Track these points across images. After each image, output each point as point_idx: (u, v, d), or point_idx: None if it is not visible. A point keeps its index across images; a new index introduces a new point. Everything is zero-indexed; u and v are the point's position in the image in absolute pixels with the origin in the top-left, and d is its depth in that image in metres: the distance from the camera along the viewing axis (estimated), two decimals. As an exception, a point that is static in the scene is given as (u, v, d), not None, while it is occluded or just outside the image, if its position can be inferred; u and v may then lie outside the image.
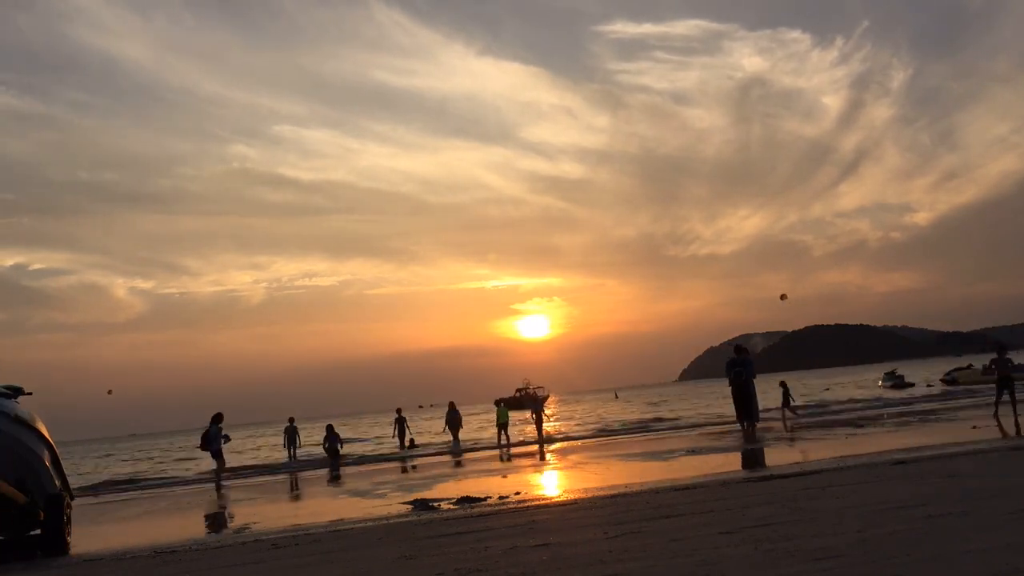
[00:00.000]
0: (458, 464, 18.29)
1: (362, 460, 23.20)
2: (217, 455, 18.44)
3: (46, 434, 9.00)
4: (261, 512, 11.78)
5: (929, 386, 39.74)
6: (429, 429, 33.92)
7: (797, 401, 23.83)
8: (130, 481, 23.92)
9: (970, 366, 40.81)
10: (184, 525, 10.82)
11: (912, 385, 41.58)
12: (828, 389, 47.51)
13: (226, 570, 5.99)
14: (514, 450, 21.29)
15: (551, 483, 11.91)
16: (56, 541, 8.58)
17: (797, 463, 10.12)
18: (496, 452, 21.17)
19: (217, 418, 18.68)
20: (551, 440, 23.72)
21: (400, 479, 15.67)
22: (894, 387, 41.96)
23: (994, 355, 16.23)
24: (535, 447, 21.61)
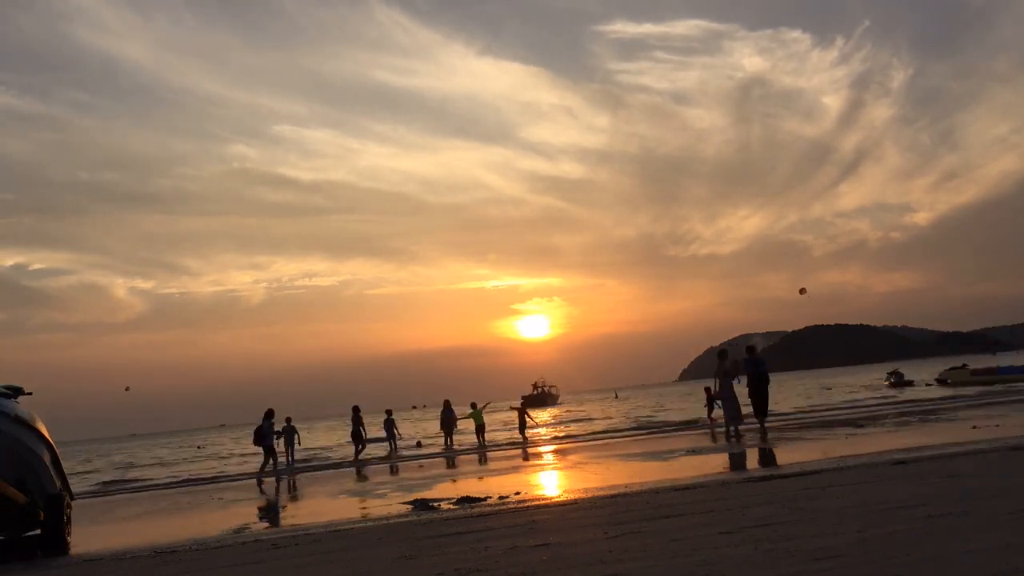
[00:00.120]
0: (456, 465, 18.28)
1: (364, 463, 23.20)
2: (269, 450, 19.07)
3: (46, 434, 9.01)
4: (261, 512, 11.79)
5: (928, 385, 39.69)
6: (425, 430, 33.95)
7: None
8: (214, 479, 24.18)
9: (964, 366, 40.76)
10: (184, 525, 10.82)
11: (911, 384, 41.37)
12: (830, 389, 47.49)
13: (226, 570, 5.99)
14: (513, 450, 21.28)
15: (551, 483, 11.91)
16: (56, 541, 8.59)
17: (797, 463, 10.12)
18: (493, 452, 21.16)
19: (269, 414, 19.47)
20: (531, 443, 23.54)
21: (400, 479, 15.67)
22: (896, 385, 41.81)
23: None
24: (531, 448, 21.60)
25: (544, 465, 15.60)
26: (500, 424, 34.50)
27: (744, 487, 7.95)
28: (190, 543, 8.28)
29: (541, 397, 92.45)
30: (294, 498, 14.07)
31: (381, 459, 22.47)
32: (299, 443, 23.86)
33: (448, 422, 24.19)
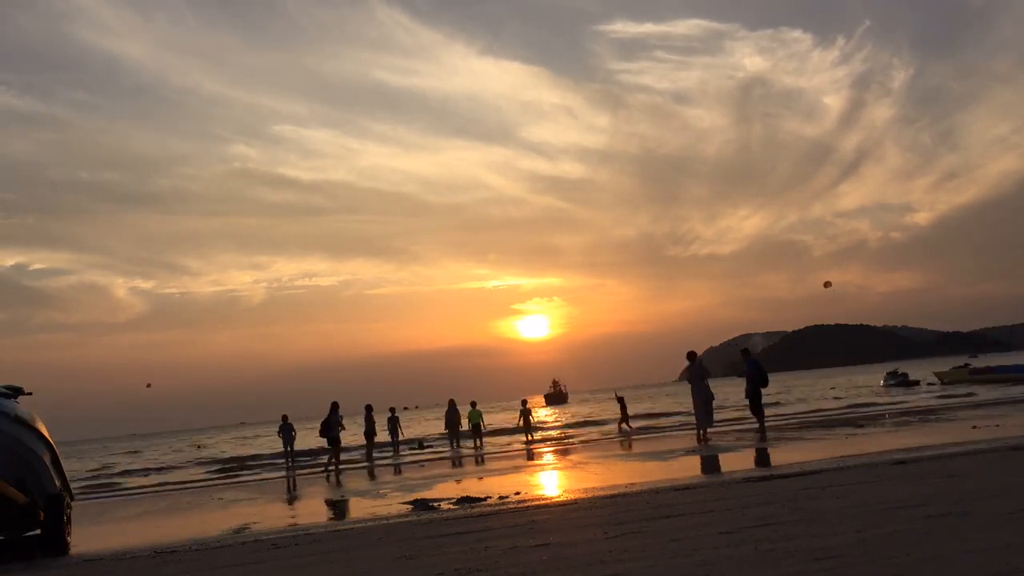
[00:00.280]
0: (457, 464, 18.29)
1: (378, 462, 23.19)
2: (334, 442, 19.78)
3: (46, 434, 9.01)
4: (261, 512, 11.78)
5: (930, 384, 39.56)
6: (425, 430, 33.92)
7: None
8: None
9: (966, 365, 40.69)
10: (184, 525, 10.82)
11: (917, 383, 40.77)
12: (833, 389, 47.45)
13: (226, 570, 5.99)
14: (512, 450, 21.29)
15: (551, 483, 11.91)
16: (56, 541, 8.59)
17: (797, 463, 10.12)
18: (494, 452, 21.17)
19: (335, 407, 20.26)
20: (534, 441, 23.91)
21: (400, 479, 15.67)
22: (898, 386, 41.15)
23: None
24: (537, 446, 21.62)
25: (544, 465, 15.61)
26: (502, 424, 34.49)
27: (744, 487, 7.95)
28: (190, 543, 8.28)
29: (561, 395, 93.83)
30: (294, 498, 14.07)
31: (383, 458, 22.47)
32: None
33: (453, 421, 24.20)
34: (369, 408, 22.96)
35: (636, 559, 4.46)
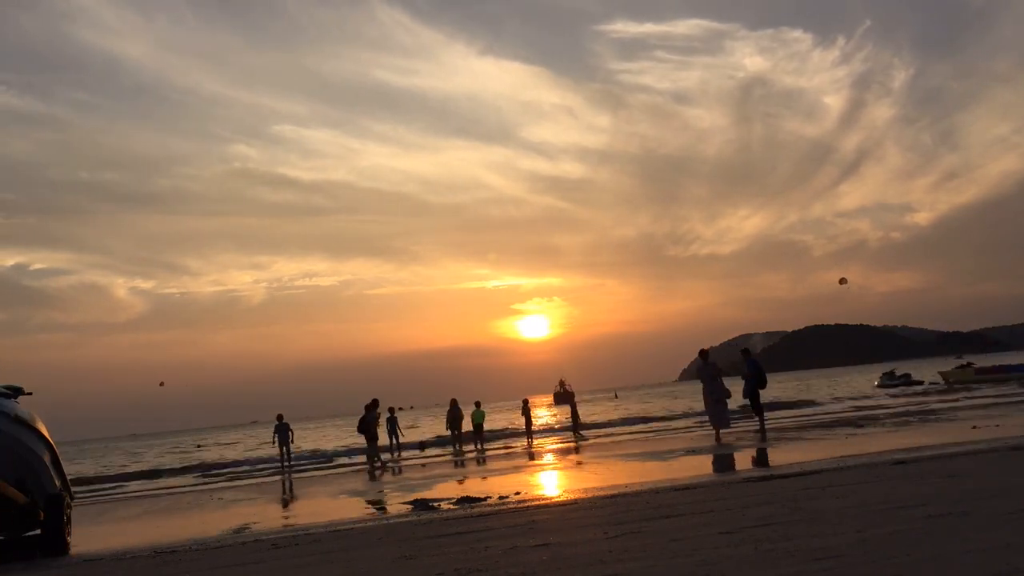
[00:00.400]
0: (458, 464, 18.29)
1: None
2: (372, 440, 20.20)
3: (46, 434, 9.00)
4: (261, 512, 11.78)
5: (932, 383, 39.41)
6: (423, 431, 33.85)
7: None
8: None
9: (970, 364, 40.51)
10: (184, 525, 10.82)
11: (921, 383, 40.33)
12: (835, 393, 47.40)
13: (226, 570, 5.99)
14: (512, 450, 21.29)
15: (551, 483, 11.91)
16: (56, 541, 8.58)
17: (797, 463, 10.12)
18: (492, 452, 21.17)
19: (373, 404, 20.61)
20: (583, 438, 23.86)
21: (400, 479, 15.67)
22: (895, 387, 40.84)
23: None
24: (531, 448, 21.61)
25: (544, 465, 15.60)
26: (505, 423, 34.49)
27: (744, 487, 7.95)
28: (190, 543, 8.28)
29: (568, 395, 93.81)
30: (294, 498, 14.07)
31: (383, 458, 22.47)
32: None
33: (455, 420, 24.15)
34: (368, 408, 22.93)
35: (636, 559, 4.46)
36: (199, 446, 51.99)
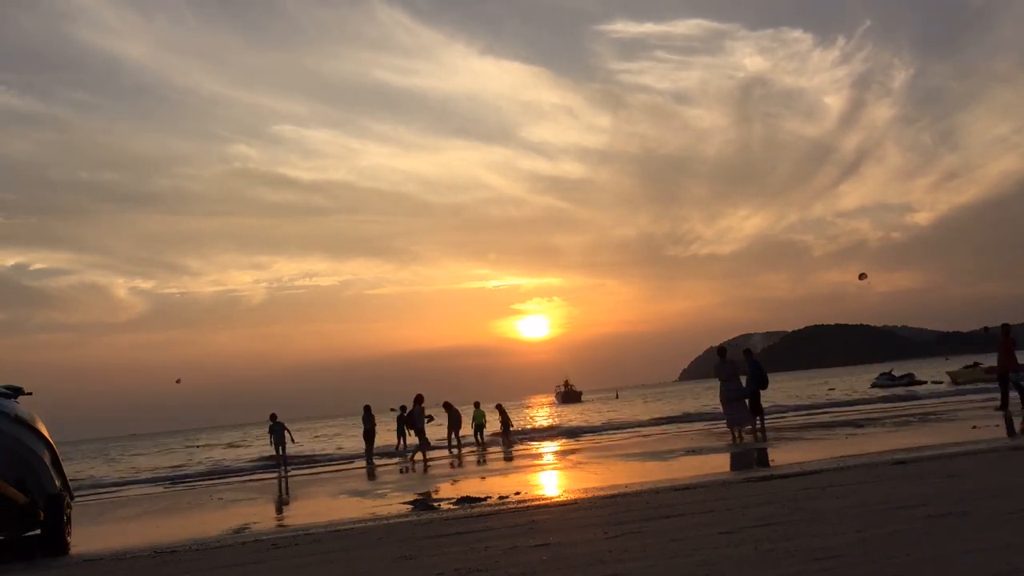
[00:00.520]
0: (457, 464, 18.29)
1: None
2: (420, 433, 20.25)
3: (46, 434, 9.01)
4: (261, 512, 11.79)
5: (936, 383, 39.17)
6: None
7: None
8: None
9: (976, 364, 40.12)
10: (184, 525, 10.82)
11: (924, 383, 39.86)
12: (833, 389, 47.38)
13: (226, 570, 6.00)
14: (513, 451, 21.29)
15: (551, 483, 11.92)
16: (56, 541, 8.59)
17: (797, 463, 10.12)
18: (494, 452, 21.16)
19: (419, 399, 20.82)
20: (513, 444, 23.51)
21: (400, 479, 15.68)
22: (892, 387, 40.34)
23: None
24: (532, 447, 21.61)
25: (544, 465, 15.61)
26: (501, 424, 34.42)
27: (744, 487, 7.96)
28: (190, 543, 8.28)
29: (574, 394, 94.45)
30: (294, 498, 14.07)
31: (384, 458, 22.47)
32: (289, 440, 23.36)
33: (455, 421, 24.05)
34: (368, 408, 22.93)
35: (636, 559, 4.46)
36: (198, 446, 51.91)
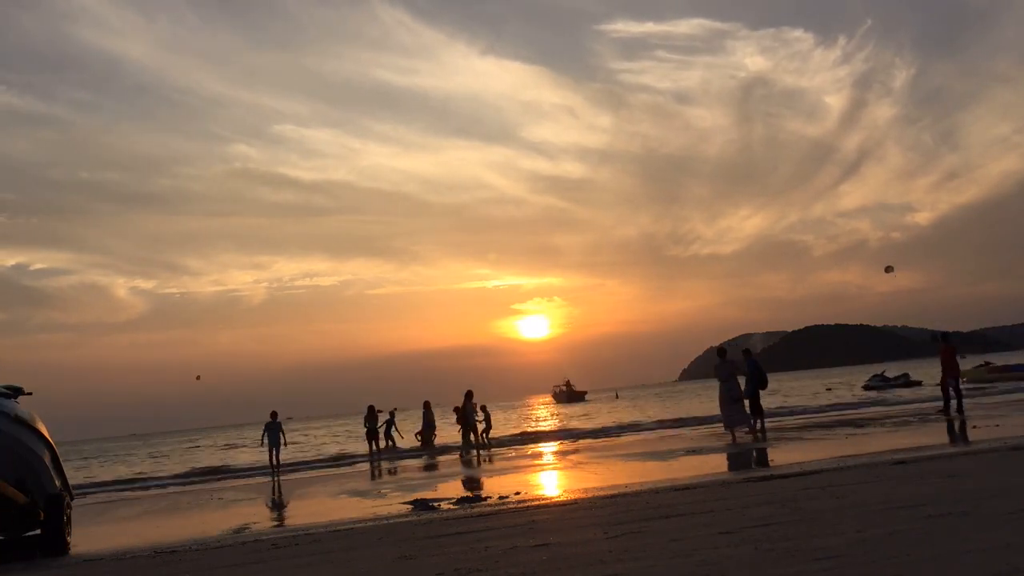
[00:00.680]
0: (455, 465, 18.28)
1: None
2: (473, 429, 21.26)
3: (46, 434, 9.01)
4: (261, 512, 11.79)
5: (937, 383, 38.64)
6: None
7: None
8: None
9: (985, 364, 39.74)
10: (184, 525, 10.82)
11: (919, 383, 39.61)
12: (830, 389, 47.33)
13: (226, 570, 6.00)
14: (514, 451, 21.27)
15: (551, 483, 11.91)
16: (56, 541, 8.59)
17: (797, 463, 10.12)
18: (494, 452, 21.16)
19: (469, 395, 21.72)
20: (486, 447, 22.53)
21: (400, 479, 15.67)
22: (887, 388, 39.82)
23: None
24: (531, 447, 21.59)
25: (544, 465, 15.61)
26: (502, 422, 34.43)
27: (744, 487, 7.95)
28: (190, 543, 8.28)
29: (577, 394, 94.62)
30: (294, 498, 14.06)
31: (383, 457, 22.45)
32: (285, 442, 22.66)
33: (429, 422, 23.88)
34: (371, 408, 22.99)
35: (636, 559, 4.46)
36: (196, 447, 51.88)
